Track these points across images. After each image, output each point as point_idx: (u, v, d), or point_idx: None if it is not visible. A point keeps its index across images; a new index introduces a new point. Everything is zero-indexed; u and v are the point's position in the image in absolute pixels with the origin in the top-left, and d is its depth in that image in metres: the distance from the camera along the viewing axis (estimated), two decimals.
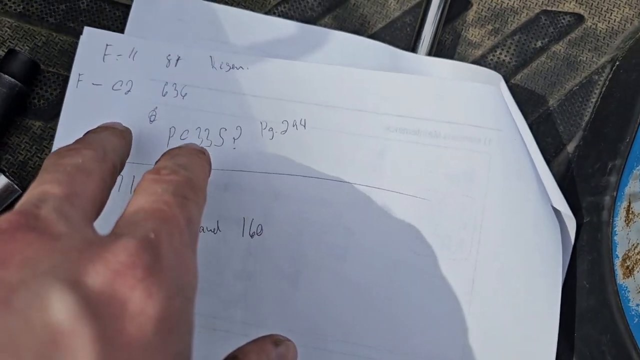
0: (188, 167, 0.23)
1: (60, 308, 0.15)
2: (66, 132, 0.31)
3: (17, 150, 0.33)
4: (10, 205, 0.31)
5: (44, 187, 0.19)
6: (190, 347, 0.18)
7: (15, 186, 0.31)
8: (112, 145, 0.25)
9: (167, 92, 0.32)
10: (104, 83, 0.32)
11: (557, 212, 0.31)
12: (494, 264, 0.30)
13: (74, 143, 0.23)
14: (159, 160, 0.25)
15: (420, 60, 0.34)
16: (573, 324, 0.31)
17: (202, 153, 0.26)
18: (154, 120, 0.32)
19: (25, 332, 0.14)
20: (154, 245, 0.18)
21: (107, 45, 0.32)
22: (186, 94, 0.32)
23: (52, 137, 0.33)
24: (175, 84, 0.32)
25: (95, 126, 0.30)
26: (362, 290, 0.30)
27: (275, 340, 0.24)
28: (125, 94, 0.32)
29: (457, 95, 0.32)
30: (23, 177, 0.33)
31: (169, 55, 0.32)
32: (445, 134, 0.31)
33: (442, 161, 0.31)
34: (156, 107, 0.32)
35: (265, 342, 0.23)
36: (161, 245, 0.18)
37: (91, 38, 0.32)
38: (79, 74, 0.32)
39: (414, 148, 0.31)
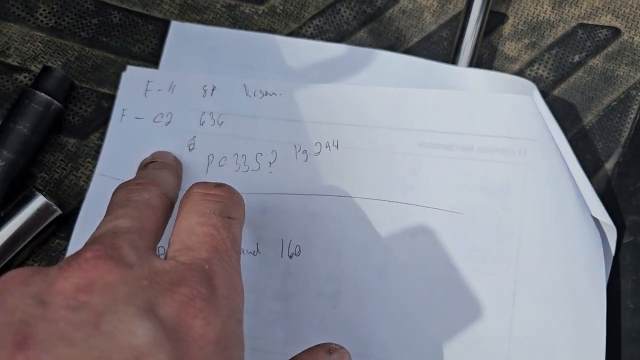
0: (230, 187, 0.25)
1: (142, 333, 0.18)
2: (109, 163, 0.32)
3: (52, 168, 0.33)
4: (50, 226, 0.31)
5: (118, 221, 0.22)
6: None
7: (54, 206, 0.30)
8: (171, 182, 0.28)
9: (204, 121, 0.33)
10: (145, 116, 0.33)
11: (596, 222, 0.31)
12: (535, 277, 0.30)
13: (138, 178, 0.26)
14: None
15: (453, 71, 0.34)
16: (619, 344, 0.31)
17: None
18: (192, 148, 0.32)
19: (115, 353, 0.17)
20: (209, 277, 0.20)
21: (148, 81, 0.33)
22: (222, 122, 0.33)
23: (87, 154, 0.33)
24: (212, 113, 0.33)
25: (139, 157, 0.31)
26: (402, 308, 0.30)
27: (329, 349, 0.25)
28: (166, 125, 0.33)
29: (490, 107, 0.32)
30: (59, 196, 0.33)
31: (205, 85, 0.33)
32: (479, 147, 0.31)
33: (477, 174, 0.31)
34: (195, 136, 0.33)
35: (318, 351, 0.25)
36: (215, 276, 0.21)
37: (133, 76, 0.33)
38: (123, 109, 0.33)
39: (448, 163, 0.31)
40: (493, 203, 0.31)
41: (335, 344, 0.25)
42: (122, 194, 0.24)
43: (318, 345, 0.25)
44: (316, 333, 0.30)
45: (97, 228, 0.22)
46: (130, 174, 0.32)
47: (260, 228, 0.31)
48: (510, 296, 0.30)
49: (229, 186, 0.25)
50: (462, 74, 0.34)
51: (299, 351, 0.28)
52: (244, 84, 0.33)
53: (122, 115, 0.33)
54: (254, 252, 0.31)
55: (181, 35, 0.35)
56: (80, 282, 0.18)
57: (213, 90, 0.33)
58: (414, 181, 0.31)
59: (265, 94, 0.33)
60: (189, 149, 0.32)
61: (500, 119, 0.31)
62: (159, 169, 0.29)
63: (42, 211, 0.30)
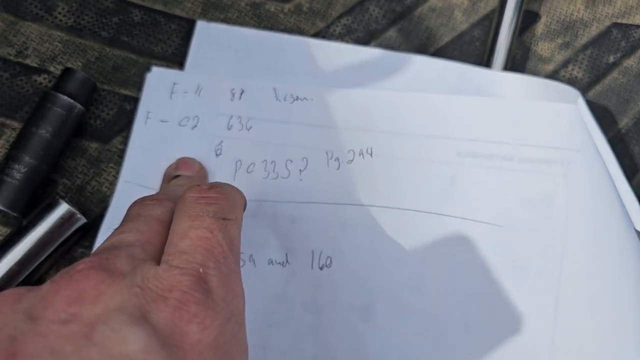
0: (225, 186, 0.24)
1: (134, 341, 0.17)
2: (134, 169, 0.31)
3: (74, 173, 0.32)
4: (73, 234, 0.29)
5: (124, 235, 0.22)
6: None
7: (78, 214, 0.29)
8: (201, 174, 0.28)
9: (232, 125, 0.32)
10: (171, 120, 0.32)
11: None
12: (578, 294, 0.29)
13: (156, 194, 0.25)
14: None
15: (491, 76, 0.33)
16: None
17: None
18: (220, 154, 0.31)
19: None
20: (204, 281, 0.20)
21: (174, 84, 0.32)
22: (251, 126, 0.32)
23: (110, 159, 0.32)
24: (240, 117, 0.32)
25: (165, 163, 0.31)
26: (437, 323, 0.29)
27: None
28: (192, 129, 0.32)
29: (531, 115, 0.31)
30: (82, 203, 0.31)
31: (233, 89, 0.32)
32: (520, 157, 0.30)
33: (517, 185, 0.30)
34: (222, 141, 0.31)
35: None
36: (210, 280, 0.20)
37: (158, 77, 0.32)
38: (148, 112, 0.32)
39: (488, 173, 0.30)
40: (534, 216, 0.30)
41: None
42: (136, 208, 0.24)
43: None
44: (347, 347, 0.29)
45: (103, 241, 0.22)
46: (155, 180, 0.31)
47: (290, 238, 0.30)
48: (552, 314, 0.29)
49: (224, 186, 0.24)
50: (500, 79, 0.33)
51: None
52: (274, 88, 0.32)
53: (147, 118, 0.31)
54: (283, 262, 0.30)
55: (207, 35, 0.34)
56: (71, 294, 0.18)
57: (242, 93, 0.32)
58: (452, 192, 0.30)
59: (296, 99, 0.32)
60: (216, 154, 0.31)
61: (543, 128, 0.30)
62: (181, 186, 0.28)
63: (66, 219, 0.29)
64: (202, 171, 0.30)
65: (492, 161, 0.30)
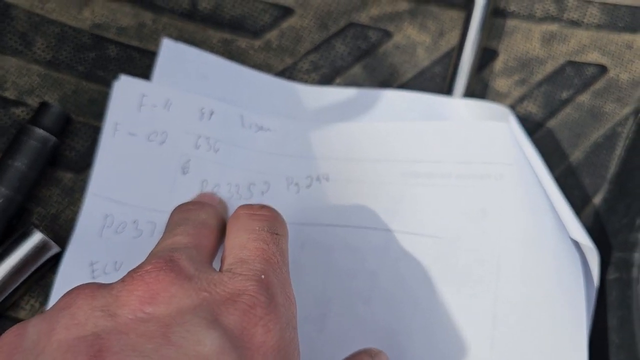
0: (273, 210, 0.27)
1: (210, 343, 0.18)
2: (101, 180, 0.32)
3: (49, 202, 0.33)
4: (47, 263, 0.31)
5: (176, 238, 0.23)
6: None
7: (52, 243, 0.31)
8: (223, 206, 0.31)
9: (200, 145, 0.33)
10: (139, 133, 0.33)
11: (577, 244, 0.32)
12: (515, 298, 0.31)
13: (194, 200, 0.29)
14: None
15: (440, 102, 0.35)
16: None
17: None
18: (187, 172, 0.33)
19: None
20: (267, 287, 0.21)
21: (142, 95, 0.33)
22: (218, 149, 0.33)
23: (83, 189, 0.33)
24: (208, 138, 0.33)
25: (133, 176, 0.32)
26: (385, 333, 0.31)
27: (371, 353, 0.27)
28: (160, 144, 0.33)
29: (466, 135, 0.33)
30: (56, 231, 0.33)
31: (203, 108, 0.33)
32: (457, 173, 0.32)
33: (456, 200, 0.32)
34: (189, 160, 0.33)
35: (361, 355, 0.26)
36: (271, 285, 0.22)
37: (126, 86, 0.33)
38: (116, 123, 0.33)
39: (429, 191, 0.33)
40: (472, 227, 0.32)
41: (375, 349, 0.27)
42: (181, 214, 0.26)
43: (360, 351, 0.27)
44: (303, 356, 0.31)
45: (156, 245, 0.24)
46: (124, 193, 0.32)
47: None
48: (491, 319, 0.31)
49: (271, 207, 0.26)
50: (447, 103, 0.35)
51: None
52: (241, 115, 0.34)
53: (115, 130, 0.32)
54: None
55: (173, 54, 0.35)
56: (144, 295, 0.19)
57: (211, 114, 0.33)
58: (398, 209, 0.32)
59: (260, 129, 0.34)
60: (183, 172, 0.33)
61: (477, 146, 0.33)
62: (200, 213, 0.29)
63: (40, 248, 0.30)
64: (223, 203, 0.32)
65: (432, 179, 0.33)
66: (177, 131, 0.33)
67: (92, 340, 0.18)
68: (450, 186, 0.32)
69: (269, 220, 0.25)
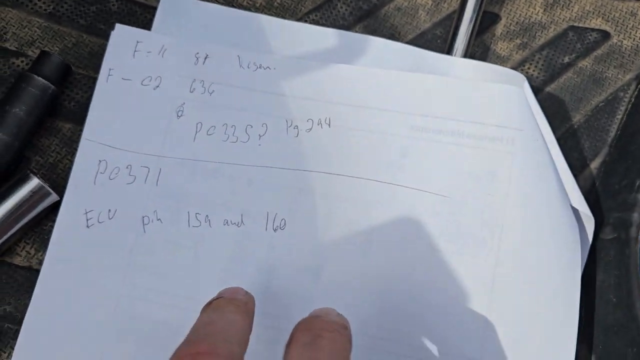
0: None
1: None
2: (95, 125, 0.32)
3: (47, 152, 0.33)
4: (43, 209, 0.31)
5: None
6: None
7: (48, 188, 0.31)
8: (240, 330, 0.23)
9: (194, 88, 0.33)
10: (133, 78, 0.33)
11: (576, 212, 0.32)
12: (515, 262, 0.31)
13: (191, 342, 0.21)
14: (295, 338, 0.22)
15: (445, 60, 0.35)
16: (593, 336, 0.31)
17: (344, 329, 0.23)
18: (181, 115, 0.33)
19: None
20: None
21: (137, 42, 0.33)
22: (213, 91, 0.33)
23: None
24: (203, 81, 0.33)
25: (127, 121, 0.32)
26: (382, 285, 0.31)
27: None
28: (154, 89, 0.33)
29: (481, 95, 0.33)
30: (54, 180, 0.33)
31: (198, 53, 0.33)
32: (469, 133, 0.32)
33: (464, 160, 0.32)
34: (184, 103, 0.33)
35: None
36: None
37: (122, 35, 0.33)
38: (110, 69, 0.33)
39: (437, 147, 0.32)
40: (479, 188, 0.31)
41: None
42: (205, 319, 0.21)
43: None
44: (296, 306, 0.31)
45: None
46: (117, 138, 0.32)
47: (245, 200, 0.32)
48: (490, 279, 0.31)
49: (332, 332, 0.22)
50: (454, 63, 0.35)
51: (280, 323, 0.29)
52: (238, 55, 0.33)
53: (109, 75, 0.32)
54: (238, 223, 0.31)
55: (173, 5, 0.35)
56: None
57: (206, 58, 0.33)
58: (403, 163, 0.32)
59: (259, 67, 0.33)
60: (178, 116, 0.32)
61: (491, 108, 0.32)
62: (226, 311, 0.23)
63: (36, 193, 0.31)
64: (249, 295, 0.26)
65: (442, 136, 0.32)
66: (171, 75, 0.33)
67: None
68: (460, 145, 0.32)
69: None
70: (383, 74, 0.33)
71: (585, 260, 0.32)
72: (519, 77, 0.33)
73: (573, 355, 0.30)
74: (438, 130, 0.32)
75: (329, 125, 0.32)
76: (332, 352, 0.21)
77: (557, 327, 0.30)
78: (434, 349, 0.30)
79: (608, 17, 0.38)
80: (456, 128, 0.32)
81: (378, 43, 0.35)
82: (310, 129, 0.32)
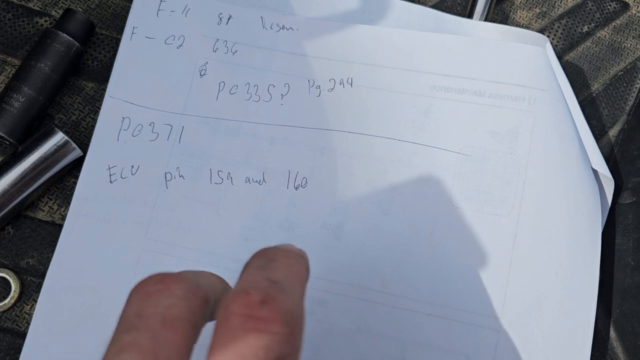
0: (285, 287, 0.18)
1: None
2: (119, 84, 0.32)
3: (70, 110, 0.33)
4: (67, 165, 0.31)
5: (123, 356, 0.16)
6: None
7: (72, 143, 0.31)
8: (209, 279, 0.20)
9: (217, 48, 0.33)
10: (156, 37, 0.33)
11: (595, 173, 0.32)
12: (536, 221, 0.31)
13: (172, 274, 0.19)
14: (249, 263, 0.20)
15: (466, 23, 0.35)
16: (611, 299, 0.31)
17: (301, 257, 0.21)
18: (204, 74, 0.33)
19: None
20: None
21: (161, 1, 0.33)
22: (236, 51, 0.33)
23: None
24: (226, 41, 0.33)
25: (150, 79, 0.32)
26: (403, 244, 0.31)
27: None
28: (177, 48, 0.33)
29: (503, 55, 0.33)
30: (76, 137, 0.33)
31: (221, 13, 0.33)
32: (491, 93, 0.32)
33: (486, 119, 0.32)
34: (207, 62, 0.33)
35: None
36: None
37: None
38: (134, 27, 0.33)
39: (459, 106, 0.32)
40: (500, 147, 0.32)
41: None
42: (135, 303, 0.17)
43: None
44: (318, 262, 0.31)
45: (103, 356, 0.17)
46: (140, 96, 0.32)
47: (267, 158, 0.32)
48: (511, 238, 0.31)
49: (280, 291, 0.18)
50: (475, 25, 0.35)
51: None
52: (261, 16, 0.34)
53: (133, 33, 0.33)
54: (260, 181, 0.32)
55: None
56: None
57: (229, 18, 0.33)
58: (425, 122, 0.32)
59: (282, 28, 0.33)
60: (200, 75, 0.33)
61: (513, 68, 0.32)
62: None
63: (60, 147, 0.31)
64: (215, 277, 0.21)
65: (464, 95, 0.32)
66: (194, 35, 0.33)
67: None
68: (482, 104, 0.32)
69: (272, 330, 0.16)
70: (405, 34, 0.33)
71: (604, 223, 0.32)
72: (542, 39, 0.34)
73: (594, 310, 0.30)
74: (460, 90, 0.32)
75: (351, 85, 0.33)
76: (287, 275, 0.19)
77: (577, 284, 0.30)
78: (454, 306, 0.30)
79: None
80: (478, 87, 0.32)
81: (400, 5, 0.35)
82: (332, 88, 0.33)
